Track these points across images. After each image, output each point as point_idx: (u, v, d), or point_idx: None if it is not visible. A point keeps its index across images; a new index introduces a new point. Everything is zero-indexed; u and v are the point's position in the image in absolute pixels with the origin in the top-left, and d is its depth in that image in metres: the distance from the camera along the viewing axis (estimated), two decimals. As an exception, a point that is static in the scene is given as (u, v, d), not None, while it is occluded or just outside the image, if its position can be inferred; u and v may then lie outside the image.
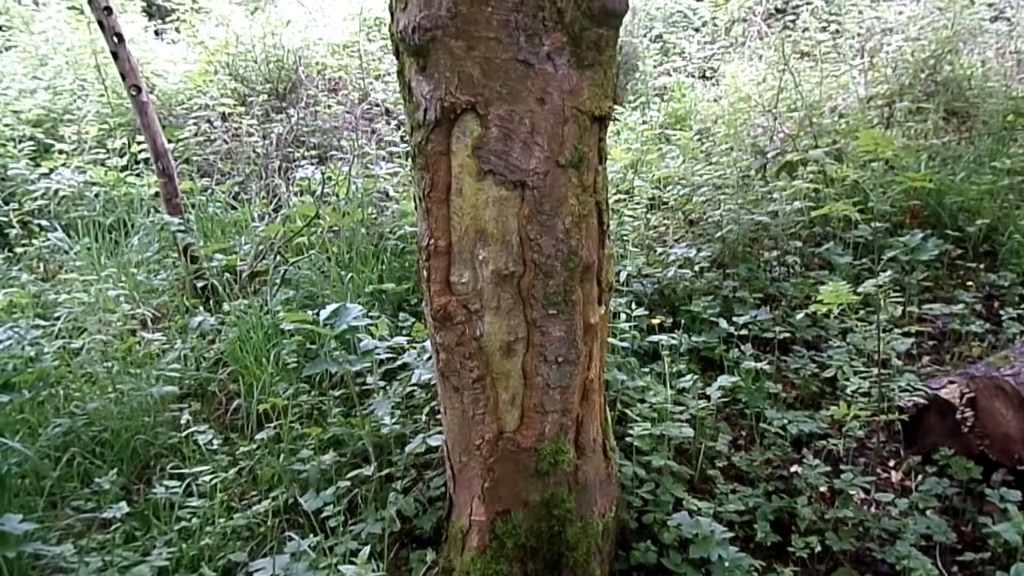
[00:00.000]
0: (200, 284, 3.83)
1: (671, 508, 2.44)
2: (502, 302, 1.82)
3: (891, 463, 2.95)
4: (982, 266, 4.01)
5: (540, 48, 1.64)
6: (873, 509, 2.57)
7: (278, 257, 3.69)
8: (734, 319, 3.24)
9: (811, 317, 3.63)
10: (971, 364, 3.27)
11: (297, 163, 4.99)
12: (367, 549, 1.91)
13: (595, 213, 1.85)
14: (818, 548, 2.37)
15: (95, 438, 2.85)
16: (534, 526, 2.03)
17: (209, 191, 4.73)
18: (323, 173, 3.83)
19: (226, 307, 3.42)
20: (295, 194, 4.67)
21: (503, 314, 1.83)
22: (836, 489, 2.59)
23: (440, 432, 2.34)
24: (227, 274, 3.91)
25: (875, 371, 2.64)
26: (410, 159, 1.84)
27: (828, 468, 2.58)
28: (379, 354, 2.65)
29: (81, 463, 2.74)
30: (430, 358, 2.52)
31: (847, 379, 2.61)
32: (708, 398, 2.73)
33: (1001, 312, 3.51)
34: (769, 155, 4.27)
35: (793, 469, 2.85)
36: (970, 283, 3.43)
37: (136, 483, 2.79)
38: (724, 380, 2.71)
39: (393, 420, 2.47)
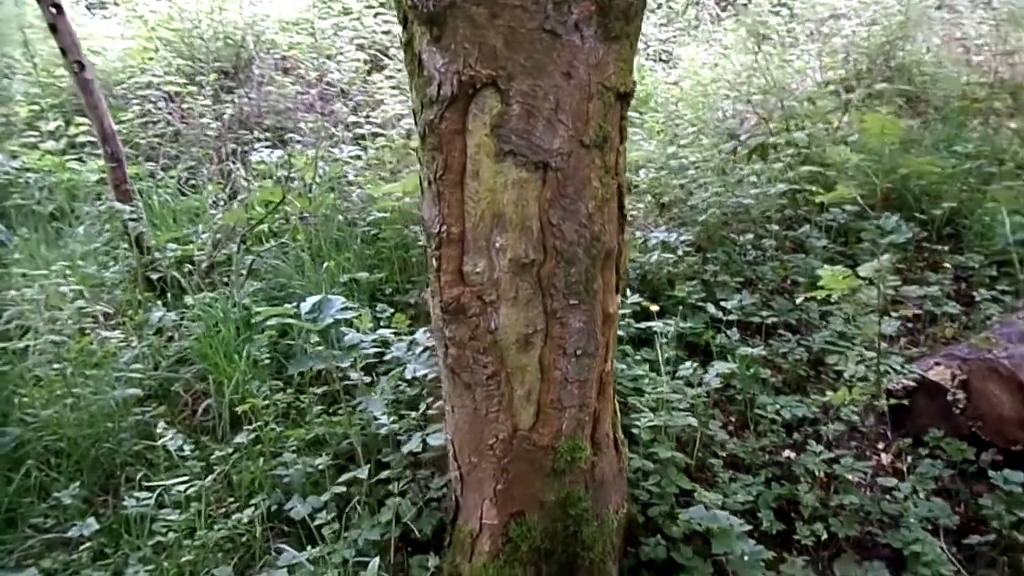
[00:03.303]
0: (155, 276, 3.57)
1: (675, 500, 2.38)
2: (520, 292, 1.70)
3: (880, 446, 2.97)
4: (947, 248, 4.09)
5: (568, 17, 1.51)
6: (872, 493, 2.57)
7: (242, 246, 3.47)
8: (721, 303, 3.20)
9: (792, 301, 3.64)
10: (946, 345, 3.33)
11: (252, 146, 4.72)
12: (376, 561, 1.77)
13: (616, 196, 1.74)
14: (824, 535, 2.35)
15: (51, 448, 2.60)
16: (549, 527, 1.92)
17: (159, 177, 4.42)
18: (287, 156, 3.61)
19: (188, 300, 3.19)
20: (252, 179, 4.41)
21: (521, 305, 1.71)
22: (833, 475, 2.58)
23: (440, 431, 2.21)
24: (184, 265, 3.67)
25: (870, 355, 2.62)
26: (419, 139, 1.69)
27: (829, 455, 2.55)
28: (365, 348, 2.50)
29: (37, 476, 2.50)
30: (423, 352, 2.38)
31: (845, 363, 2.59)
32: (703, 385, 2.68)
33: (974, 293, 3.58)
34: (742, 138, 4.25)
35: (786, 454, 2.83)
36: (946, 265, 3.48)
37: (100, 495, 2.57)
38: (721, 367, 2.66)
39: (390, 419, 2.32)
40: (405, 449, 2.21)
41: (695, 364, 2.65)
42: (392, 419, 2.34)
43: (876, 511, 2.43)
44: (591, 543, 1.94)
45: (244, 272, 3.26)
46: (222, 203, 4.30)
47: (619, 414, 2.12)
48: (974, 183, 4.46)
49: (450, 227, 1.68)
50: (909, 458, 2.81)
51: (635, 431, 2.42)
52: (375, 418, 2.32)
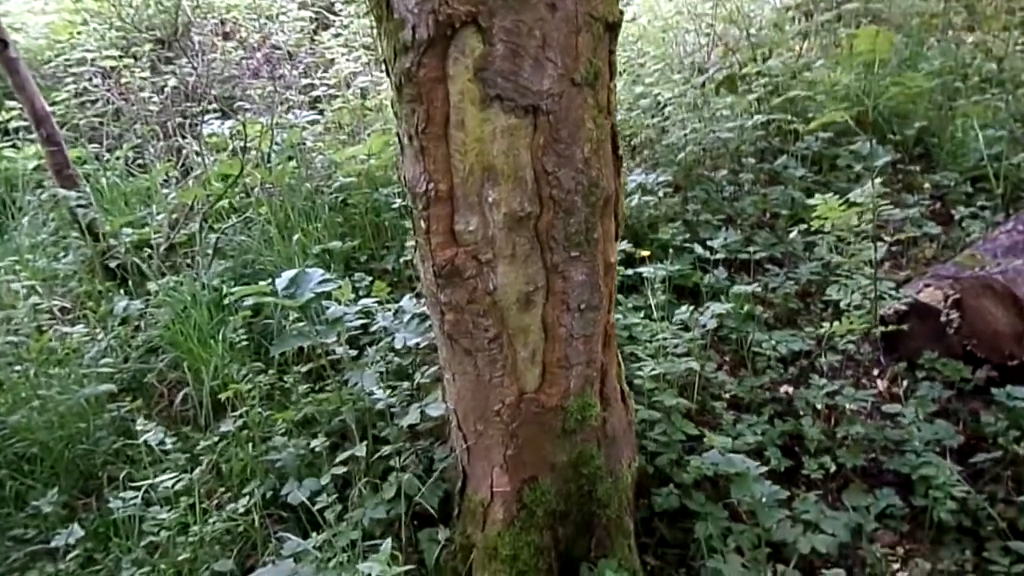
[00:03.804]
0: (114, 264, 3.36)
1: (681, 447, 2.34)
2: (517, 248, 1.59)
3: (875, 373, 2.96)
4: (920, 169, 4.07)
5: (550, -59, 1.37)
6: (874, 421, 2.56)
7: (204, 224, 3.28)
8: (707, 243, 3.12)
9: (775, 234, 3.59)
10: (928, 266, 3.32)
11: (200, 119, 4.46)
12: (388, 543, 1.69)
13: (610, 138, 1.63)
14: (832, 468, 2.33)
15: (22, 455, 2.45)
16: (563, 489, 1.86)
17: (103, 158, 4.16)
18: (242, 125, 3.39)
19: (151, 287, 3.01)
20: (206, 152, 4.18)
21: (519, 262, 1.61)
22: (834, 407, 2.56)
23: (437, 400, 2.12)
24: (142, 249, 3.47)
25: (864, 282, 2.58)
26: (394, 91, 1.55)
27: (830, 387, 2.53)
28: (350, 321, 2.37)
29: (12, 485, 2.35)
30: (411, 319, 2.27)
31: (842, 293, 2.54)
32: (699, 327, 2.62)
33: (952, 212, 3.57)
34: (710, 71, 4.13)
35: (784, 390, 2.81)
36: (926, 185, 3.44)
37: (82, 499, 2.44)
38: (717, 307, 2.60)
39: (385, 392, 2.21)
40: (404, 422, 2.11)
41: (692, 307, 2.57)
42: (386, 392, 2.23)
43: (880, 438, 2.42)
44: (607, 500, 1.88)
45: (210, 252, 3.08)
46: (174, 181, 4.07)
47: (623, 365, 2.05)
48: (941, 100, 4.43)
49: (437, 184, 1.55)
50: (904, 382, 2.82)
51: (637, 381, 2.36)
52: (370, 393, 2.21)
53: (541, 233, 1.58)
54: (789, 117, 3.91)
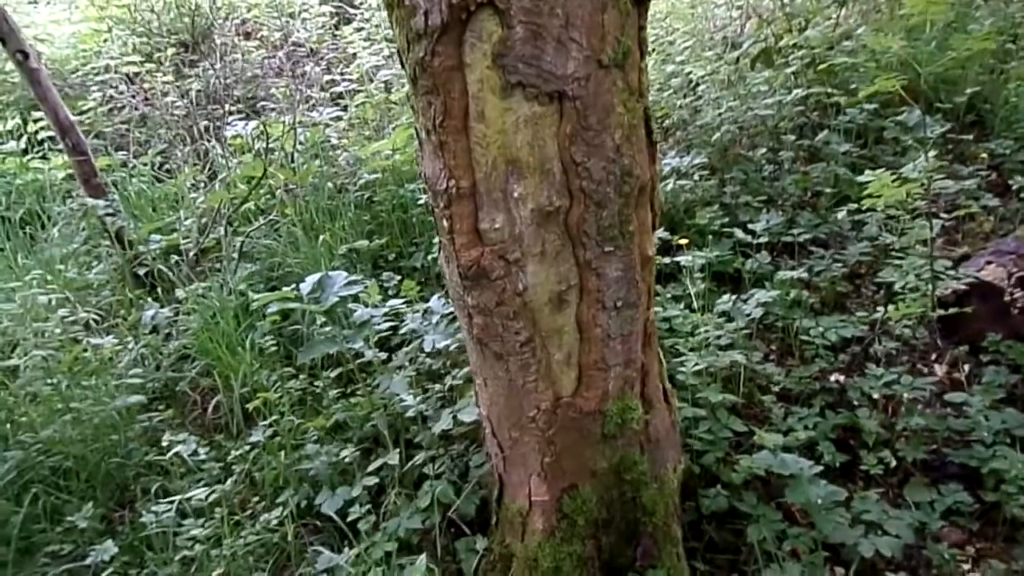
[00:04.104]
0: (143, 272, 3.35)
1: (728, 444, 2.22)
2: (547, 246, 1.49)
3: (932, 358, 2.79)
4: (972, 137, 3.84)
5: (570, -90, 1.26)
6: (935, 410, 2.40)
7: (229, 229, 3.24)
8: (748, 226, 2.97)
9: (818, 214, 3.42)
10: (986, 242, 3.12)
11: (224, 120, 4.43)
12: (423, 559, 1.61)
13: (643, 122, 1.51)
14: (892, 462, 2.19)
15: (57, 468, 2.44)
16: (605, 496, 1.76)
17: (131, 165, 4.15)
18: (264, 125, 3.34)
19: (180, 293, 2.98)
20: (230, 155, 4.14)
21: (549, 260, 1.50)
22: (891, 396, 2.41)
23: (470, 404, 2.03)
24: (170, 256, 3.45)
25: (921, 262, 2.42)
26: (409, 83, 1.45)
27: (886, 375, 2.37)
28: (377, 323, 2.30)
29: (46, 500, 2.34)
30: (440, 320, 2.19)
31: (898, 275, 2.38)
32: (744, 317, 2.48)
33: (1009, 182, 3.35)
34: (744, 46, 3.95)
35: (834, 378, 2.67)
36: (982, 156, 3.23)
37: (117, 511, 2.41)
38: (762, 295, 2.46)
39: (415, 398, 2.13)
40: (436, 429, 2.03)
41: (734, 297, 2.44)
42: (416, 397, 2.15)
43: (943, 429, 2.27)
44: (652, 507, 1.78)
45: (235, 256, 3.04)
46: (202, 185, 4.04)
47: (663, 362, 1.93)
48: (992, 63, 4.18)
49: (458, 181, 1.45)
50: (966, 367, 2.65)
51: (679, 376, 2.24)
52: (400, 399, 2.13)
53: (572, 228, 1.48)
54: (829, 90, 3.71)
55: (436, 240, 3.06)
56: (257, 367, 2.69)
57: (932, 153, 2.53)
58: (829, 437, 2.28)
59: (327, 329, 2.29)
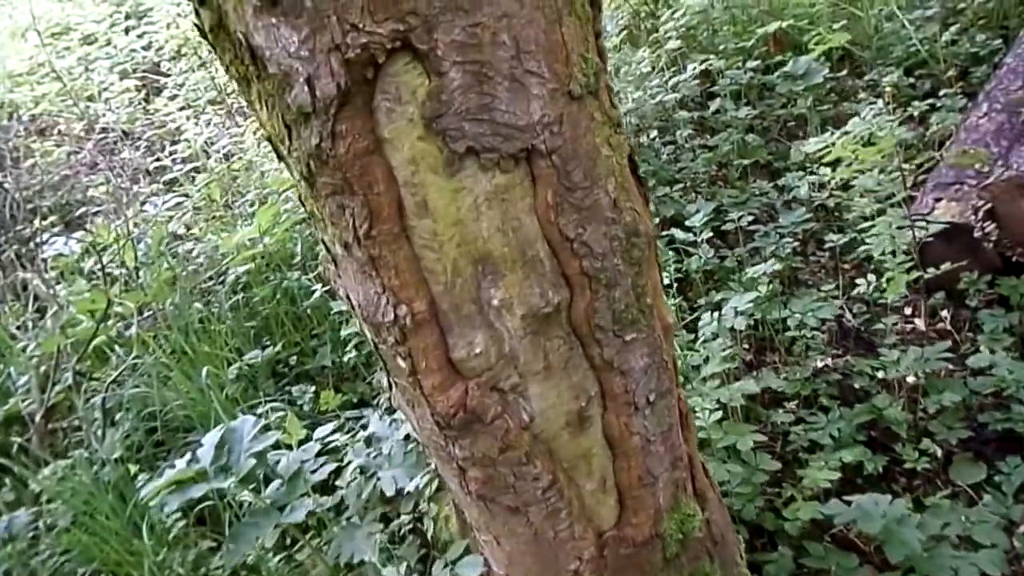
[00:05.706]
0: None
1: (760, 487, 1.89)
2: (551, 357, 1.06)
3: (907, 312, 2.61)
4: (845, 73, 3.75)
5: None
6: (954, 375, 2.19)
7: (80, 379, 2.57)
8: (684, 224, 2.66)
9: (737, 188, 3.18)
10: (924, 177, 2.98)
11: (39, 240, 3.67)
12: None
13: (626, 153, 1.11)
14: (937, 450, 1.94)
15: None
16: (681, 628, 1.36)
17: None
18: (91, 234, 2.68)
19: (34, 485, 2.30)
20: (55, 282, 3.41)
21: (557, 374, 1.08)
22: (903, 374, 2.17)
23: (467, 549, 1.57)
24: (11, 427, 2.73)
25: (893, 218, 2.17)
26: (302, 186, 0.97)
27: (892, 354, 2.12)
28: (311, 468, 1.78)
29: None
30: (393, 448, 1.71)
31: (876, 243, 2.13)
32: (728, 332, 2.16)
33: (907, 110, 3.25)
34: (607, 29, 3.67)
35: (821, 363, 2.43)
36: (886, 89, 3.09)
37: None
38: (738, 302, 2.15)
39: (380, 557, 1.64)
40: (431, 596, 1.54)
41: (717, 313, 2.12)
42: (383, 556, 1.66)
43: (967, 395, 2.05)
44: (736, 618, 1.40)
45: (98, 416, 2.39)
46: (30, 327, 3.29)
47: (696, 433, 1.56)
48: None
49: (410, 305, 0.99)
50: (944, 312, 2.48)
51: (699, 433, 1.88)
52: (364, 561, 1.63)
53: (579, 325, 1.06)
54: (704, 56, 3.51)
55: (344, 332, 2.56)
56: (165, 552, 2.08)
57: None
58: (857, 440, 2.01)
59: (247, 495, 1.75)
